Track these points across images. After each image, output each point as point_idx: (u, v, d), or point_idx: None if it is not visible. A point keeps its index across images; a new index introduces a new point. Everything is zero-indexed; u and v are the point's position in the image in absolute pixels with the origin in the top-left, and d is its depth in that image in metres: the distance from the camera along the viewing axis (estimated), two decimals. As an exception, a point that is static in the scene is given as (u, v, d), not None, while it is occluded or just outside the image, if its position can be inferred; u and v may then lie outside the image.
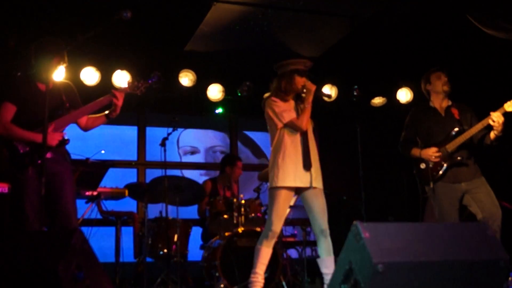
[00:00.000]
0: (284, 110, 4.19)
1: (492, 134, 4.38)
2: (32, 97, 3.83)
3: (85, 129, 4.21)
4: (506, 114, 4.32)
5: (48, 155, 3.77)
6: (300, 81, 4.22)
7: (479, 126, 4.38)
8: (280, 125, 4.17)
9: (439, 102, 4.67)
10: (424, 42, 6.53)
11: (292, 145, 4.13)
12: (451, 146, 4.46)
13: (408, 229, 2.45)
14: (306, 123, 4.13)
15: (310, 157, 4.10)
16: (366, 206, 5.05)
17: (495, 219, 4.26)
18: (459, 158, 4.45)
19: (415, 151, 4.61)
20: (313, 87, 4.18)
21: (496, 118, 4.28)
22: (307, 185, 4.09)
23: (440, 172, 4.46)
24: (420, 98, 5.09)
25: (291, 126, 4.15)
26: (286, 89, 4.25)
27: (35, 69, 3.90)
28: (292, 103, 4.26)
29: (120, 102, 3.98)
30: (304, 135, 4.16)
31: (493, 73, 6.44)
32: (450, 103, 4.66)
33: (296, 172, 4.07)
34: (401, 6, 5.89)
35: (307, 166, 4.08)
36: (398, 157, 4.85)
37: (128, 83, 4.15)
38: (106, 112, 4.07)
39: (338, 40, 6.70)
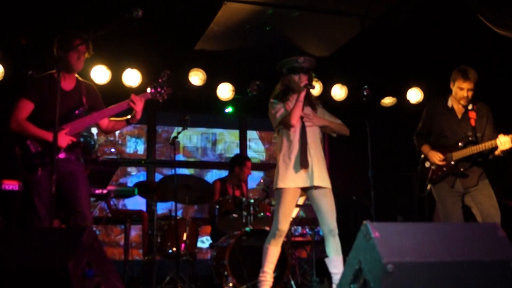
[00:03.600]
0: (278, 111, 4.20)
1: (496, 152, 4.33)
2: (51, 95, 3.71)
3: (106, 131, 4.21)
4: None
5: (61, 155, 3.77)
6: (294, 78, 4.22)
7: (488, 145, 4.30)
8: (275, 126, 4.21)
9: (457, 103, 4.57)
10: (434, 41, 6.50)
11: (290, 146, 4.13)
12: (457, 156, 4.41)
13: (418, 229, 2.44)
14: (294, 119, 4.08)
15: (307, 156, 4.06)
16: (376, 206, 5.04)
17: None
18: (462, 169, 4.41)
19: (425, 149, 4.60)
20: (302, 83, 4.15)
21: (503, 141, 4.23)
22: (308, 184, 4.08)
23: (440, 176, 4.46)
24: (431, 98, 5.07)
25: (284, 125, 4.15)
26: (284, 88, 4.26)
27: (59, 63, 3.79)
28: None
29: (139, 108, 3.94)
30: (302, 135, 4.12)
31: (507, 72, 6.40)
32: (470, 105, 4.52)
33: (295, 172, 4.07)
34: (411, 5, 5.87)
35: (304, 164, 4.05)
36: (407, 157, 4.85)
37: (150, 89, 4.06)
38: (128, 116, 4.05)
39: (348, 40, 6.69)
